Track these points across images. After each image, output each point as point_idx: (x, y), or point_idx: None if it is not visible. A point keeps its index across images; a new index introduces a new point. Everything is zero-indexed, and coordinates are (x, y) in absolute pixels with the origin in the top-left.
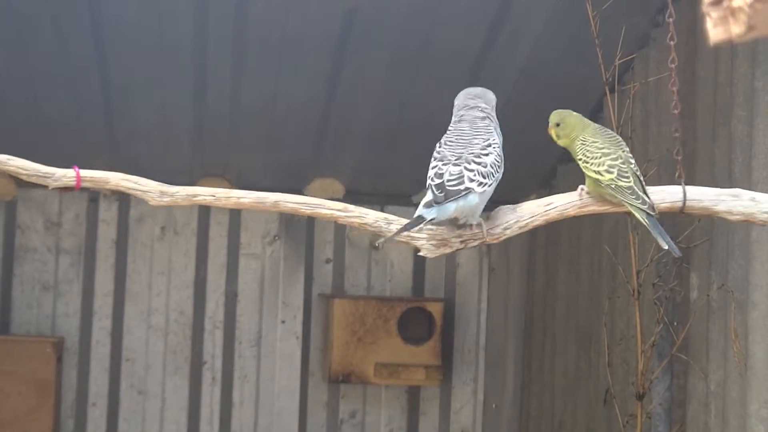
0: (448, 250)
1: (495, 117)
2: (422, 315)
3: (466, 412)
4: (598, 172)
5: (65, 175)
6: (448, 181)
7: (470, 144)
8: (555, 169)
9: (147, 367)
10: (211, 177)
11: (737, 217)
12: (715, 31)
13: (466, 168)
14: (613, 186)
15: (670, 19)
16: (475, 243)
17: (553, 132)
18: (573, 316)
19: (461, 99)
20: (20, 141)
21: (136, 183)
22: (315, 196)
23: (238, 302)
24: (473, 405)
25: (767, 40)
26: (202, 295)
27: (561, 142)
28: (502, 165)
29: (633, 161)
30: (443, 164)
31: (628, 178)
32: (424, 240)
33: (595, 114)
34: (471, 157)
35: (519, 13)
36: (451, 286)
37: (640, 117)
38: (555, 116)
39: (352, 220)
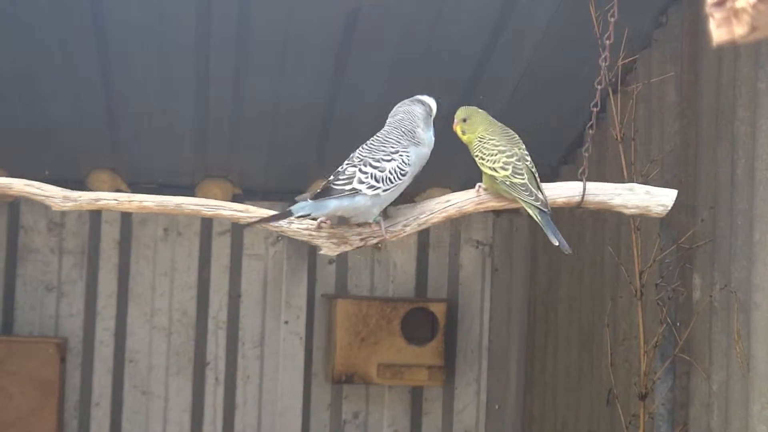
0: (348, 248)
1: (421, 126)
2: (425, 315)
3: (469, 412)
4: (494, 169)
5: None
6: (336, 180)
7: (379, 149)
8: (557, 171)
9: (150, 367)
10: (213, 179)
11: (632, 210)
12: (718, 32)
13: (360, 170)
14: (507, 183)
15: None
16: (375, 240)
17: (458, 128)
18: (576, 316)
19: (396, 107)
20: (23, 143)
21: (39, 188)
22: None
23: (241, 303)
24: (476, 405)
25: None
26: (206, 296)
27: (465, 138)
28: (408, 174)
29: (529, 159)
30: (347, 164)
31: (522, 175)
32: (323, 239)
33: (598, 115)
34: (370, 160)
35: (521, 14)
36: (453, 286)
37: (643, 118)
38: (462, 112)
39: (254, 221)
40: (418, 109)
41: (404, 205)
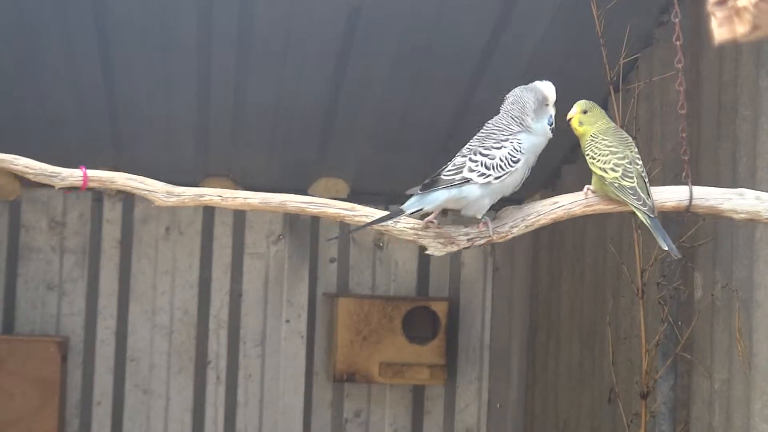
0: (455, 249)
1: (530, 114)
2: (427, 314)
3: (471, 411)
4: (604, 170)
5: (71, 175)
6: (447, 170)
7: (489, 137)
8: (559, 169)
9: (152, 366)
10: (215, 177)
11: (742, 215)
12: (719, 30)
13: (470, 159)
14: (616, 185)
15: (676, 20)
16: (483, 241)
17: (576, 119)
18: (577, 315)
19: (509, 94)
20: (25, 140)
21: (142, 183)
22: (320, 196)
23: (242, 302)
24: (478, 404)
25: None
26: (207, 295)
27: (581, 130)
28: (520, 161)
29: (640, 163)
30: (457, 156)
31: (632, 178)
32: (430, 238)
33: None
34: (480, 149)
35: (523, 13)
36: (455, 285)
37: (645, 117)
38: (583, 104)
39: (359, 218)
40: (529, 96)
41: (512, 207)
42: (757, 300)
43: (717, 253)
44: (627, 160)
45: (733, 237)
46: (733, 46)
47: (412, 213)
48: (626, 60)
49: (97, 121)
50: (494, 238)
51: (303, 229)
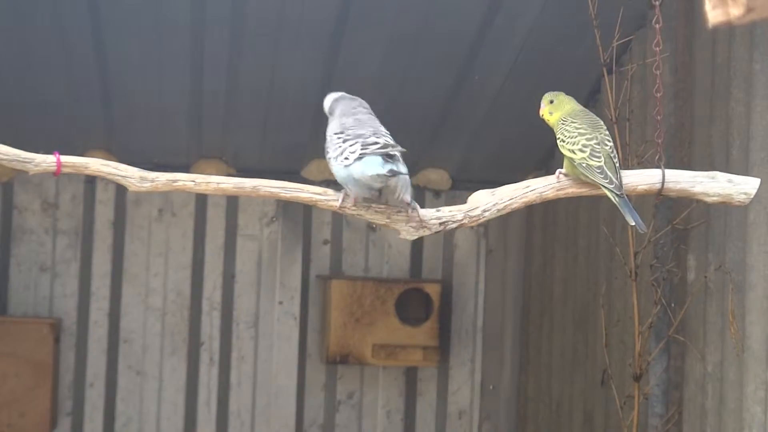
0: (427, 232)
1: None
2: (420, 296)
3: (464, 393)
4: (572, 151)
5: (45, 161)
6: (388, 144)
7: (374, 122)
8: (552, 151)
9: (145, 348)
10: (208, 159)
11: (714, 198)
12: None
13: (386, 138)
14: (584, 165)
15: (657, 2)
16: (455, 225)
17: (546, 110)
18: (570, 297)
19: (341, 101)
20: (16, 123)
21: (115, 168)
22: (313, 178)
23: (235, 283)
24: (470, 386)
25: (765, 22)
26: (200, 277)
27: (552, 119)
28: None
29: (609, 144)
30: (366, 138)
31: (599, 158)
32: (402, 222)
33: (593, 96)
34: (381, 132)
35: None
36: (448, 267)
37: (638, 98)
38: (548, 95)
39: (332, 203)
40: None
41: (484, 191)
42: (751, 282)
43: (710, 236)
44: (595, 141)
45: (726, 219)
46: (727, 28)
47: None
48: (619, 42)
49: (90, 105)
50: (466, 222)
51: (296, 211)
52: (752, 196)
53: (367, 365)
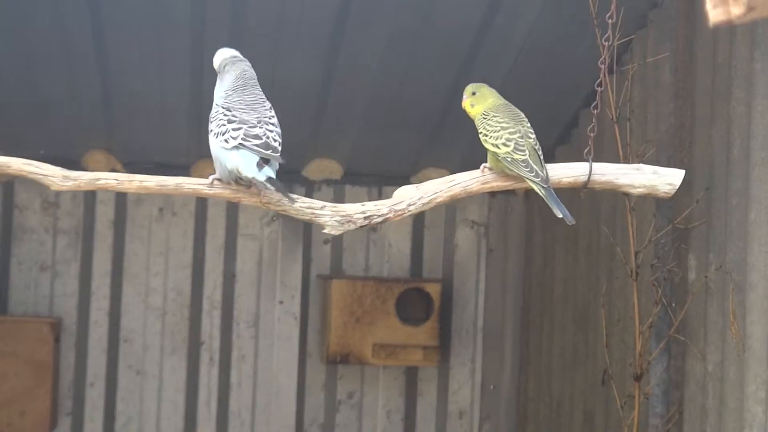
0: (352, 227)
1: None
2: (420, 296)
3: (464, 392)
4: (496, 145)
5: None
6: (275, 141)
7: (261, 107)
8: (553, 151)
9: (145, 347)
10: (208, 158)
11: (639, 189)
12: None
13: (268, 130)
14: (508, 159)
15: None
16: (379, 219)
17: (468, 102)
18: (571, 297)
19: (235, 64)
20: (18, 123)
21: (37, 168)
22: (313, 177)
23: (236, 283)
24: (471, 386)
25: (766, 22)
26: (200, 276)
27: (474, 112)
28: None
29: (533, 136)
30: (251, 127)
31: (524, 151)
32: (327, 217)
33: (593, 95)
34: (266, 119)
35: None
36: (449, 266)
37: (639, 98)
38: (471, 87)
39: (254, 199)
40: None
41: (409, 186)
42: (751, 282)
43: (711, 235)
44: (519, 135)
45: (726, 219)
46: (728, 27)
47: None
48: (620, 41)
49: (91, 105)
50: (391, 216)
51: None
52: (677, 187)
53: (367, 365)
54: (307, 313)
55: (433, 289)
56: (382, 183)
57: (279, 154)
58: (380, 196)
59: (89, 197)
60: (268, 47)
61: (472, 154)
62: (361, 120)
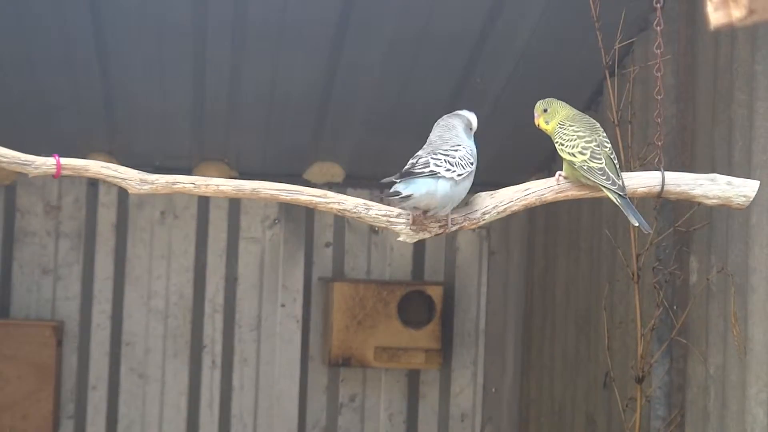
0: (426, 235)
1: (469, 134)
2: (422, 299)
3: (466, 395)
4: (572, 154)
5: (45, 163)
6: (414, 165)
7: (442, 143)
8: (554, 154)
9: (147, 350)
10: (210, 161)
11: (714, 200)
12: (715, 15)
13: (432, 157)
14: (585, 167)
15: (659, 4)
16: (454, 228)
17: (541, 120)
18: (573, 299)
19: (437, 122)
20: (18, 126)
21: (116, 171)
22: (315, 180)
23: (238, 286)
24: (473, 388)
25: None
26: (202, 279)
27: (549, 128)
28: (474, 164)
29: (609, 145)
30: (417, 157)
31: (600, 159)
32: (402, 225)
33: (595, 98)
34: (439, 152)
35: None
36: (450, 269)
37: (640, 101)
38: (542, 104)
39: (331, 206)
40: (457, 122)
41: (483, 193)
42: (753, 285)
43: (712, 238)
44: (595, 143)
45: (728, 221)
46: (729, 30)
47: (401, 198)
48: (622, 44)
49: (92, 107)
50: (466, 225)
51: (298, 214)
52: (751, 199)
53: (369, 368)
54: (308, 316)
55: (435, 292)
56: (383, 186)
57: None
58: (382, 200)
59: (91, 201)
60: (269, 50)
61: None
62: (362, 123)
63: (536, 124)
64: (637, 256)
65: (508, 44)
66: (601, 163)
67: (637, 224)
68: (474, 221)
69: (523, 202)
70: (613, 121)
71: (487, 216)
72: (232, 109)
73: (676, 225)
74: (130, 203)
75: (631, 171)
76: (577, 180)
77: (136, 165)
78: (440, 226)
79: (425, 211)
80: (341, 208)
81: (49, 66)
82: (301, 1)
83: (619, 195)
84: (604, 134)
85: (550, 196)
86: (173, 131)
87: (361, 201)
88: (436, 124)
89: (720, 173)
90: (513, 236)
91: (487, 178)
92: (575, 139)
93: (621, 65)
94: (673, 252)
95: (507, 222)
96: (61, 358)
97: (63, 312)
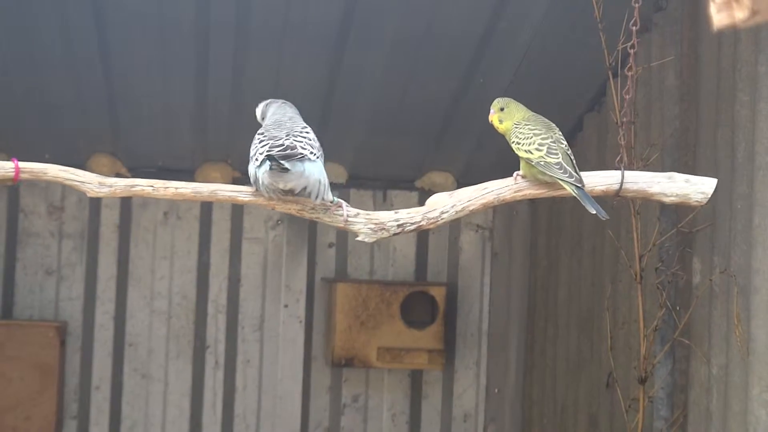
0: (385, 234)
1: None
2: (425, 299)
3: (469, 396)
4: (529, 151)
5: (3, 167)
6: (288, 147)
7: (293, 125)
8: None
9: (150, 351)
10: (212, 162)
11: (672, 198)
12: (718, 16)
13: (294, 140)
14: (542, 163)
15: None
16: (413, 227)
17: (495, 117)
18: (575, 300)
19: (270, 105)
20: (23, 126)
21: (74, 174)
22: None
23: (241, 286)
24: (476, 389)
25: None
26: (205, 280)
27: (502, 127)
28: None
29: (565, 143)
30: (276, 141)
31: (556, 155)
32: (361, 224)
33: (598, 99)
34: (295, 133)
35: None
36: (453, 270)
37: (643, 102)
38: (499, 102)
39: (289, 207)
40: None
41: (442, 193)
42: (755, 285)
43: (715, 239)
44: (551, 140)
45: (731, 222)
46: (732, 31)
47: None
48: (624, 45)
49: (95, 109)
50: (424, 224)
51: None
52: (709, 196)
53: (372, 368)
54: (311, 316)
55: (438, 293)
56: (386, 187)
57: (299, 152)
58: (384, 200)
59: (94, 201)
60: (272, 51)
61: (475, 158)
62: (365, 124)
63: (489, 120)
64: (640, 256)
65: (511, 45)
66: (557, 158)
67: (594, 212)
68: (432, 220)
69: (482, 201)
70: (616, 122)
71: (445, 215)
72: (235, 111)
73: (679, 226)
74: (133, 204)
75: (634, 172)
76: (534, 178)
77: (139, 166)
78: (398, 225)
79: (292, 191)
80: (299, 209)
81: (52, 67)
82: (304, 1)
83: (576, 186)
84: (560, 133)
85: (508, 195)
86: (176, 132)
87: (318, 202)
88: (273, 104)
89: (723, 174)
90: (516, 237)
91: (489, 179)
92: (531, 137)
93: (624, 66)
94: (676, 253)
95: (510, 223)
96: (65, 359)
97: (66, 312)
